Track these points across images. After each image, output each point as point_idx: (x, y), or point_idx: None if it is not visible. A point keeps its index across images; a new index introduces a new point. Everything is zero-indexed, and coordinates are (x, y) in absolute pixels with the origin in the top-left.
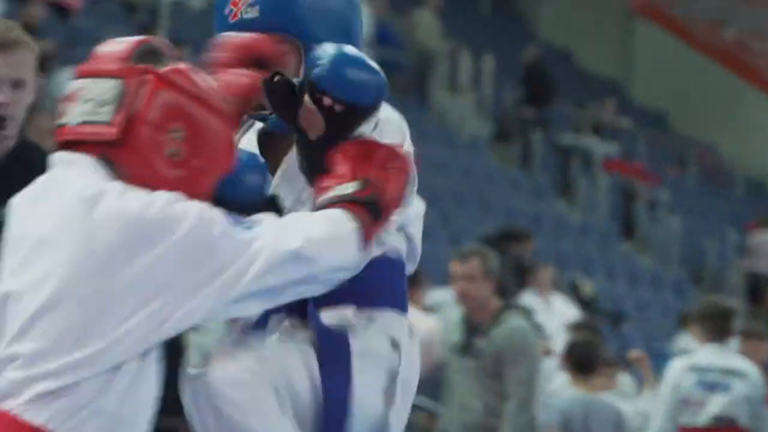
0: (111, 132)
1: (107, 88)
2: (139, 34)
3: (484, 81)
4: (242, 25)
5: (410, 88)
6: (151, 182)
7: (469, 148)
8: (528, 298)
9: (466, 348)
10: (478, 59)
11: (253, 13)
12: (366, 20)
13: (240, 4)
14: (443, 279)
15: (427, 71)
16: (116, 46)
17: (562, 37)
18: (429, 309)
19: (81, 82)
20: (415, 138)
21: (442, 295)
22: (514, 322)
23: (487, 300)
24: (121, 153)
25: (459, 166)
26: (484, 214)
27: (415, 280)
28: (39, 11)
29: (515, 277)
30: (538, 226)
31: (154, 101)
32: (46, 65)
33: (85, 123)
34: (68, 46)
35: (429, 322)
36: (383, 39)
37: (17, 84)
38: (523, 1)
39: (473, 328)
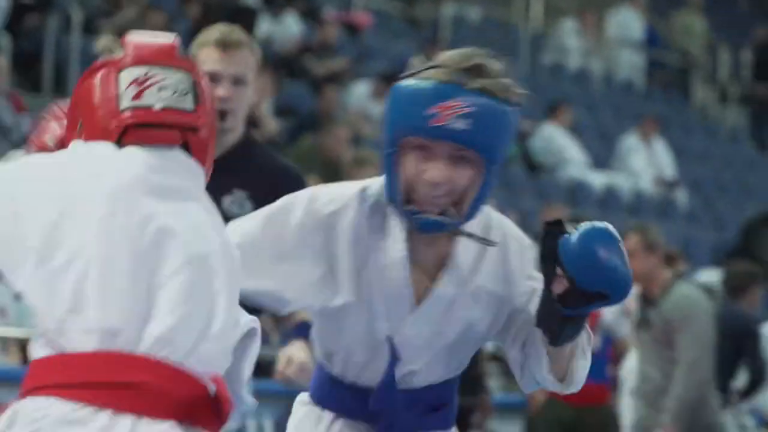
0: (196, 119)
1: (181, 78)
2: (422, 47)
3: (742, 74)
4: (445, 133)
5: (673, 84)
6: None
7: (729, 139)
8: None
9: (641, 321)
10: (737, 54)
11: (462, 125)
12: (638, 24)
13: (451, 112)
14: (709, 260)
15: (689, 68)
16: (164, 40)
17: None
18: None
19: (151, 69)
20: (679, 131)
21: (709, 276)
22: (682, 290)
23: (653, 273)
24: (195, 140)
25: (720, 155)
26: (745, 199)
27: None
28: (333, 31)
29: None
30: None
31: (209, 94)
32: (340, 79)
33: (170, 108)
34: (359, 62)
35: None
36: (650, 41)
37: (238, 80)
38: None
39: (647, 301)
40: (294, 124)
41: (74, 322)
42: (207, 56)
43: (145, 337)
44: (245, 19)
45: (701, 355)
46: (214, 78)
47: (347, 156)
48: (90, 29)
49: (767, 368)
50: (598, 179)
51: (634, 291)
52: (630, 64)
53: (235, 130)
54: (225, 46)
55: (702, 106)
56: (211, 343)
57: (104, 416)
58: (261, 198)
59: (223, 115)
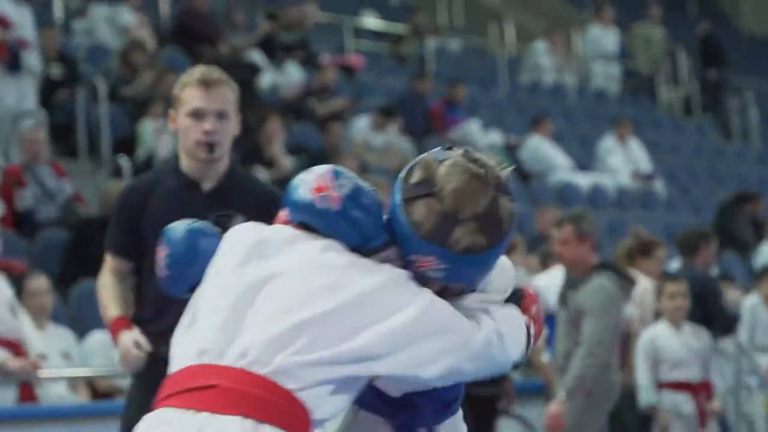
0: None
1: None
2: (411, 81)
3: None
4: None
5: (641, 89)
6: None
7: (696, 132)
8: (766, 248)
9: (562, 300)
10: (692, 53)
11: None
12: (611, 38)
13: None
14: None
15: (654, 73)
16: None
17: None
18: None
19: None
20: (650, 129)
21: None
22: (600, 280)
23: (582, 259)
24: None
25: (689, 147)
26: (716, 184)
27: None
28: (331, 74)
29: (752, 232)
30: (765, 187)
31: None
32: (342, 116)
33: None
34: (357, 99)
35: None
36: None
37: (221, 115)
38: None
39: (570, 284)
40: (305, 161)
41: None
42: (190, 95)
43: (228, 353)
44: (250, 73)
45: (601, 342)
46: (199, 114)
47: None
48: (114, 97)
49: (732, 319)
50: (583, 180)
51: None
52: (604, 74)
53: (222, 160)
54: (207, 84)
55: (669, 105)
56: (291, 358)
57: (188, 414)
58: (254, 219)
59: (211, 147)
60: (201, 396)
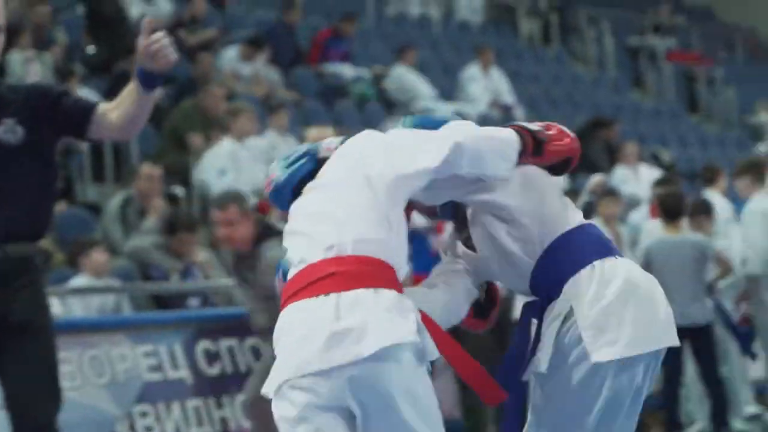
0: None
1: None
2: (281, 12)
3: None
4: None
5: (503, 20)
6: None
7: (555, 61)
8: (620, 171)
9: (241, 280)
10: None
11: None
12: None
13: None
14: None
15: (515, 5)
16: None
17: None
18: None
19: None
20: (511, 59)
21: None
22: (272, 253)
23: (250, 236)
24: None
25: (548, 75)
26: (573, 111)
27: None
28: (201, 6)
29: (607, 156)
30: (620, 114)
31: None
32: (211, 47)
33: None
34: (226, 31)
35: None
36: None
37: None
38: None
39: (242, 260)
40: (175, 90)
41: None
42: None
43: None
44: (120, 4)
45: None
46: None
47: (223, 109)
48: None
49: None
50: (446, 108)
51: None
52: (468, 5)
53: None
54: None
55: (529, 36)
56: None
57: (320, 300)
58: (27, 119)
59: None
60: (324, 283)
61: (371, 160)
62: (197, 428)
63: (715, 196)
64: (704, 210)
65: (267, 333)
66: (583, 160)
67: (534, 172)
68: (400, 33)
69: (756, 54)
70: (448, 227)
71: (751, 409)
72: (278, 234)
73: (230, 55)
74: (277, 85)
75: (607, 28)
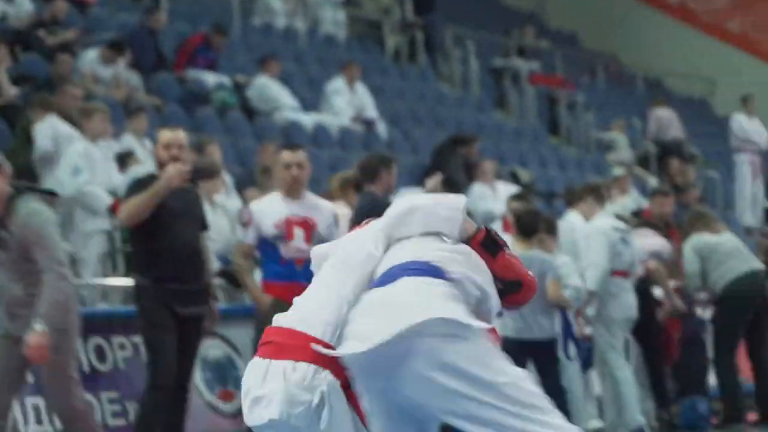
0: None
1: None
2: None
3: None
4: None
5: (369, 35)
6: None
7: (420, 78)
8: (477, 188)
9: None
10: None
11: None
12: None
13: None
14: (409, 181)
15: (382, 21)
16: None
17: None
18: None
19: None
20: (376, 74)
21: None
22: (27, 206)
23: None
24: None
25: (415, 93)
26: (435, 128)
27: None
28: (62, 6)
29: (465, 173)
30: (482, 133)
31: None
32: (71, 48)
33: None
34: (87, 33)
35: None
36: None
37: None
38: None
39: None
40: (30, 90)
41: None
42: None
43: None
44: None
45: (64, 264)
46: None
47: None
48: None
49: None
50: (307, 119)
51: None
52: (333, 20)
53: None
54: None
55: (395, 52)
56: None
57: (266, 362)
58: None
59: None
60: (270, 348)
61: None
62: None
63: (575, 216)
64: (549, 229)
65: (18, 305)
66: (442, 174)
67: None
68: (265, 44)
69: (617, 80)
70: (298, 234)
71: (595, 423)
72: (31, 191)
73: (90, 57)
74: (137, 89)
75: (473, 49)
